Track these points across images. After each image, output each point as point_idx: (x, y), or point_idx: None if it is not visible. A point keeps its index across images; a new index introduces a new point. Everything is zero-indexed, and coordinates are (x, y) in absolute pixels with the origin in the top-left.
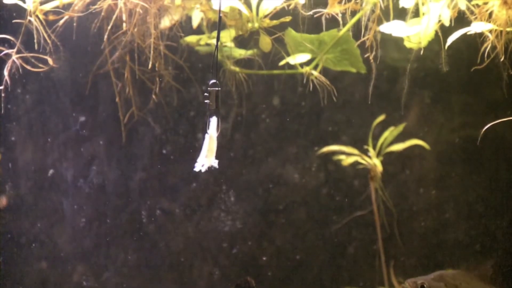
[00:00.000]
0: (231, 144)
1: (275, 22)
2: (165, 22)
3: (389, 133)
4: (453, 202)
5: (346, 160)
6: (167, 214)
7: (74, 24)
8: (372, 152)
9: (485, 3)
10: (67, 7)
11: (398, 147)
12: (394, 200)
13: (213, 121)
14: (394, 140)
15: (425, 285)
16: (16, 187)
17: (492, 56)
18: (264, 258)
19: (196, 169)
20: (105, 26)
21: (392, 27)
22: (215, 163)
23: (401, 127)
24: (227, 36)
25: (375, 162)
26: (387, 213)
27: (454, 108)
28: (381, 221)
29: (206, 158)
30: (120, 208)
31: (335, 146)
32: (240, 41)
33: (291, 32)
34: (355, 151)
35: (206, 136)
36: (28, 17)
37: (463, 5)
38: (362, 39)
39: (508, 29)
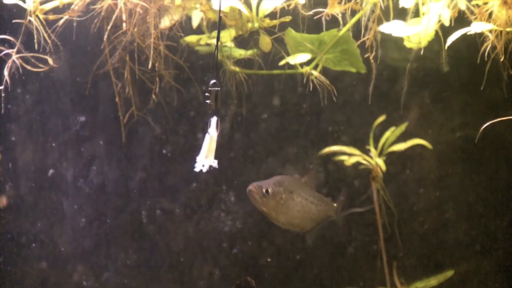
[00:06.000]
0: (231, 144)
1: (275, 22)
2: (165, 22)
3: (390, 133)
4: (453, 202)
5: (349, 161)
6: (167, 214)
7: (74, 24)
8: (373, 152)
9: (485, 3)
10: (67, 7)
11: (400, 147)
12: (395, 200)
13: (213, 121)
14: (395, 140)
15: (269, 190)
16: (16, 187)
17: (492, 56)
18: (264, 258)
19: (196, 169)
20: (105, 26)
21: (392, 27)
22: (214, 163)
23: (403, 127)
24: (227, 36)
25: (377, 162)
26: (388, 213)
27: (454, 108)
28: (382, 221)
29: (206, 158)
30: (120, 208)
31: (337, 146)
32: (240, 41)
33: (291, 32)
34: (356, 151)
35: (206, 136)
36: (28, 17)
37: (463, 5)
38: (362, 39)
39: (508, 29)
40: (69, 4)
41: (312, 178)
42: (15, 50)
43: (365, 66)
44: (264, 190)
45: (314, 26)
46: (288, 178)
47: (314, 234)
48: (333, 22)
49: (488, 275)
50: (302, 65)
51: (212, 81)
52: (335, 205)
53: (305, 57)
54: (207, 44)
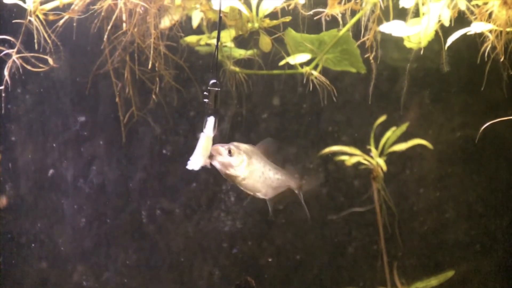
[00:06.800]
0: None
1: (275, 22)
2: (165, 22)
3: (391, 133)
4: (453, 202)
5: (350, 160)
6: (167, 214)
7: (74, 24)
8: (374, 152)
9: (485, 3)
10: (67, 7)
11: (401, 147)
12: (395, 200)
13: (210, 121)
14: (396, 140)
15: (231, 150)
16: (16, 187)
17: (492, 56)
18: (264, 258)
19: (189, 167)
20: (105, 26)
21: (392, 27)
22: (207, 163)
23: (404, 127)
24: (227, 36)
25: (378, 162)
26: (388, 213)
27: (454, 108)
28: (382, 221)
29: (201, 157)
30: (120, 208)
31: (337, 146)
32: (240, 41)
33: (291, 32)
34: (357, 151)
35: (202, 135)
36: (28, 17)
37: (463, 5)
38: (362, 39)
39: (508, 29)
40: (69, 4)
41: (264, 148)
42: (15, 50)
43: (365, 66)
44: (227, 150)
45: (314, 26)
46: (244, 145)
47: (274, 202)
48: (333, 22)
49: (488, 275)
50: (302, 65)
51: (212, 81)
52: (296, 176)
53: (305, 57)
54: (207, 44)
